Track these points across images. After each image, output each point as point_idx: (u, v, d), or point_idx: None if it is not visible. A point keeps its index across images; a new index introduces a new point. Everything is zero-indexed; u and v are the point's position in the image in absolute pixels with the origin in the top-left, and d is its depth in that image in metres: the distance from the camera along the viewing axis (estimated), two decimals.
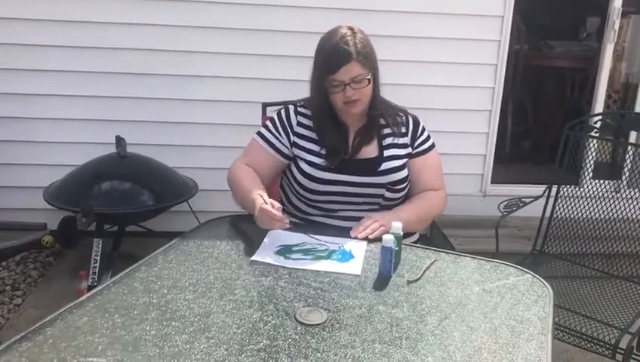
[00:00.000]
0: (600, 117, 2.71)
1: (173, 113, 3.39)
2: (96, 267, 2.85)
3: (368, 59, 1.81)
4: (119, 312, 1.32)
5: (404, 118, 1.98)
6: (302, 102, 2.00)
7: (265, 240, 1.71)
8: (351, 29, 1.83)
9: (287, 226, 1.73)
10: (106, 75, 3.30)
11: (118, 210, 2.92)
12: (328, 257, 1.64)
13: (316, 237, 1.76)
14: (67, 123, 3.35)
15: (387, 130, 1.95)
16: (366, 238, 1.75)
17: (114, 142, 3.05)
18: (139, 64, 3.30)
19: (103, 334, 1.23)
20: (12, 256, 3.26)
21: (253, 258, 1.60)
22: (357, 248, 1.71)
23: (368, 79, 1.81)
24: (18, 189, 3.38)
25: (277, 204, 1.72)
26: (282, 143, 1.96)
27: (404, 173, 1.92)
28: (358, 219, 1.84)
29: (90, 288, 2.72)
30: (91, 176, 2.99)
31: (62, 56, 3.25)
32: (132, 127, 3.31)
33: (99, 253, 2.88)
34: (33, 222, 3.42)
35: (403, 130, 1.96)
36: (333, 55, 1.79)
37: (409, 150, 1.95)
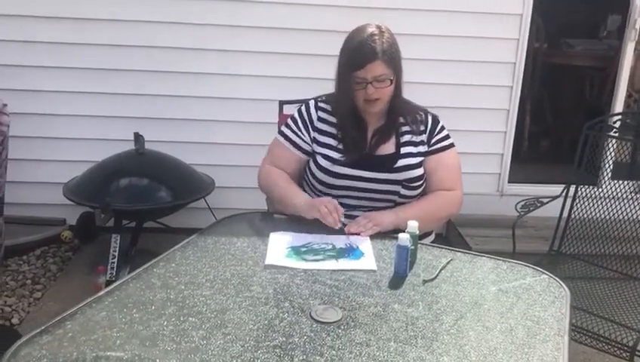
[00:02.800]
0: (620, 116, 2.68)
1: (191, 110, 3.41)
2: (114, 262, 2.88)
3: (393, 60, 1.82)
4: (137, 307, 1.33)
5: (423, 116, 1.98)
6: (323, 98, 2.01)
7: (269, 243, 1.70)
8: (379, 27, 1.85)
9: (336, 228, 1.75)
10: (125, 72, 3.33)
11: (136, 206, 2.95)
12: (340, 256, 1.65)
13: (320, 236, 1.75)
14: (87, 119, 3.39)
15: (406, 128, 1.95)
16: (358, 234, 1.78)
17: (132, 138, 3.08)
18: (158, 61, 3.32)
19: (121, 329, 1.24)
20: (32, 251, 3.31)
21: (267, 262, 1.59)
22: (364, 245, 1.72)
23: (391, 80, 1.82)
24: (38, 185, 3.43)
25: (342, 209, 1.80)
26: (304, 140, 1.98)
27: (419, 171, 1.92)
28: None
29: (108, 283, 2.75)
30: (110, 173, 3.02)
31: (82, 54, 3.29)
32: (150, 124, 3.34)
33: (117, 249, 2.91)
34: (53, 217, 3.47)
35: (422, 128, 1.96)
36: (360, 52, 1.80)
37: (425, 148, 1.95)
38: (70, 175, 3.14)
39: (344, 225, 1.79)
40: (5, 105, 2.74)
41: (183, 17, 3.27)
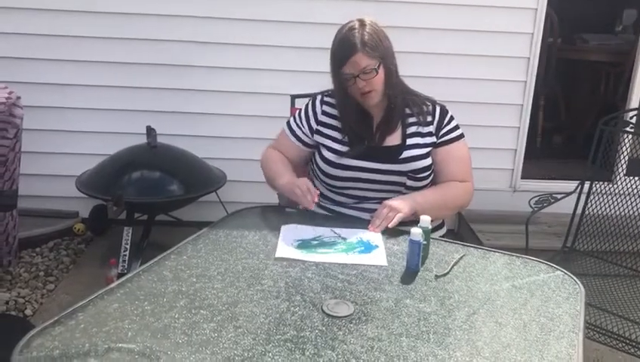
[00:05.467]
0: (635, 112, 2.64)
1: (203, 104, 3.42)
2: (126, 255, 2.89)
3: (375, 49, 1.81)
4: (149, 299, 1.33)
5: (430, 107, 1.97)
6: (329, 92, 2.01)
7: (280, 235, 1.70)
8: (360, 20, 1.85)
9: (310, 208, 1.78)
10: (138, 65, 3.34)
11: (148, 199, 2.96)
12: (351, 250, 1.64)
13: (331, 229, 1.75)
14: (99, 113, 3.41)
15: (412, 119, 1.95)
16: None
17: (145, 132, 3.09)
18: (171, 55, 3.33)
19: (133, 320, 1.25)
20: (45, 243, 3.33)
21: (278, 255, 1.59)
22: (375, 238, 1.71)
23: (376, 69, 1.81)
24: (51, 177, 3.45)
25: (315, 191, 1.82)
26: (303, 132, 2.01)
27: (426, 162, 1.91)
28: None
29: (120, 276, 2.76)
30: (122, 166, 3.03)
31: (95, 47, 3.30)
32: (162, 118, 3.35)
33: (129, 242, 2.93)
34: (66, 210, 3.49)
35: (429, 119, 1.95)
36: (340, 48, 1.82)
37: (433, 139, 1.94)
38: (83, 168, 3.16)
39: (319, 206, 1.81)
40: (19, 97, 2.76)
41: (196, 11, 3.27)
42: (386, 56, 1.85)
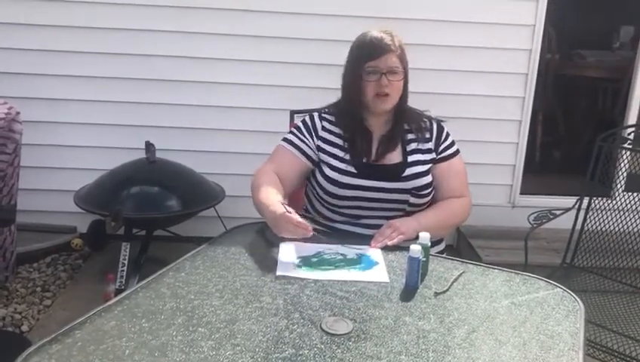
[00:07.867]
0: (633, 128, 2.65)
1: (203, 120, 3.43)
2: (123, 271, 2.88)
3: (404, 58, 1.89)
4: (146, 317, 1.32)
5: (428, 123, 1.98)
6: (327, 109, 2.01)
7: (279, 254, 1.68)
8: (388, 30, 1.92)
9: (309, 236, 1.63)
10: (137, 81, 3.35)
11: (146, 214, 2.95)
12: (352, 266, 1.63)
13: (331, 246, 1.74)
14: (98, 128, 3.41)
15: (411, 136, 1.96)
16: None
17: (143, 147, 3.09)
18: (169, 71, 3.34)
19: (131, 338, 1.24)
20: (43, 258, 3.32)
21: (279, 273, 1.57)
22: (375, 254, 1.71)
23: (403, 71, 1.87)
24: (50, 192, 3.44)
25: (297, 218, 1.64)
26: (308, 146, 1.97)
27: (428, 179, 1.92)
28: (382, 225, 1.83)
29: (117, 291, 2.75)
30: (121, 181, 3.03)
31: (94, 63, 3.31)
32: (161, 133, 3.35)
33: (127, 257, 2.92)
34: (64, 225, 3.48)
35: (427, 135, 1.96)
36: (376, 43, 1.86)
37: (433, 155, 1.95)
38: (81, 183, 3.15)
39: (316, 230, 1.66)
40: (18, 113, 2.77)
41: (195, 27, 3.29)
42: (408, 73, 1.91)
